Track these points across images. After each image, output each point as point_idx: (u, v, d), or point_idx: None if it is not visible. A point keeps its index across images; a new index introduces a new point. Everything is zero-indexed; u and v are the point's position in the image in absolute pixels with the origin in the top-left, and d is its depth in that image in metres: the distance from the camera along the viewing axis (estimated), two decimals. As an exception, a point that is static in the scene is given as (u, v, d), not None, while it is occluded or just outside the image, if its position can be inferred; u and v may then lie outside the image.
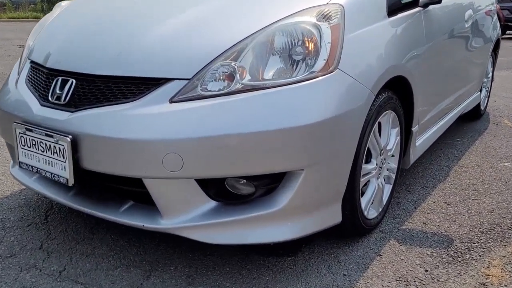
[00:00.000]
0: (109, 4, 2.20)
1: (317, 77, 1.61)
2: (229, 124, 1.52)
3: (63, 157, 1.63)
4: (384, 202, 2.19)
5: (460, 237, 2.09)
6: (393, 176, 2.25)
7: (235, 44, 1.63)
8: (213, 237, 1.63)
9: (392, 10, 2.03)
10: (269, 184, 1.64)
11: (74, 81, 1.71)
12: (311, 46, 1.65)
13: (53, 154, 1.66)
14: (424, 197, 2.51)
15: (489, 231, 2.16)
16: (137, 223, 1.66)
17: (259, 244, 1.75)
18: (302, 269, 1.82)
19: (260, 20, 1.70)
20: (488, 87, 4.35)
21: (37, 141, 1.71)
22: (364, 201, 1.98)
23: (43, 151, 1.70)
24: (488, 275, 1.81)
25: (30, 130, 1.72)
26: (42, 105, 1.77)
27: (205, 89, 1.58)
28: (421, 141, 2.55)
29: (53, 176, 1.70)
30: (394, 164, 2.24)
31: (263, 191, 1.65)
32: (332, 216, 1.78)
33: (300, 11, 1.72)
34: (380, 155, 2.05)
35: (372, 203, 2.06)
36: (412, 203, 2.44)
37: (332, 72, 1.64)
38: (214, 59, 1.61)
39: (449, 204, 2.43)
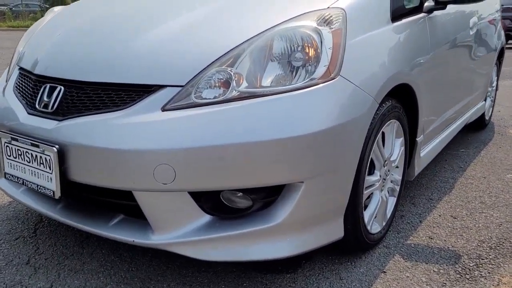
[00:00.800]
0: (101, 10, 2.12)
1: (317, 84, 1.53)
2: (225, 134, 1.43)
3: (50, 168, 1.55)
4: (388, 215, 2.09)
5: (468, 253, 1.99)
6: (397, 188, 2.15)
7: (231, 49, 1.55)
8: (208, 253, 1.54)
9: (396, 15, 1.95)
10: (267, 197, 1.54)
11: (62, 88, 1.63)
12: (311, 51, 1.57)
13: (39, 165, 1.57)
14: (429, 210, 2.41)
15: (498, 246, 2.06)
16: (127, 238, 1.57)
17: (256, 261, 1.65)
18: (302, 286, 1.72)
19: (258, 24, 1.62)
20: (492, 96, 4.27)
21: (23, 151, 1.62)
22: (367, 215, 1.88)
23: (29, 162, 1.61)
24: (499, 294, 1.71)
25: (16, 140, 1.63)
26: (29, 113, 1.68)
27: (200, 96, 1.50)
28: (426, 151, 2.46)
29: (39, 188, 1.61)
30: (398, 176, 2.14)
31: (260, 205, 1.55)
32: (334, 231, 1.69)
33: (300, 15, 1.64)
34: (384, 166, 1.96)
35: (375, 217, 1.96)
36: (417, 216, 2.34)
37: (333, 79, 1.55)
38: (209, 65, 1.53)
39: (455, 218, 2.33)
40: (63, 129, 1.55)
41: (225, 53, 1.54)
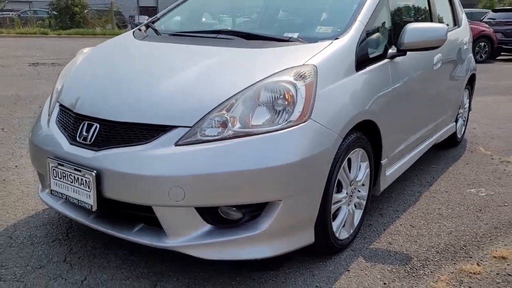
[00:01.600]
0: (125, 56, 2.62)
1: (293, 126, 2.01)
2: (223, 164, 1.92)
3: (89, 188, 2.03)
4: (355, 225, 2.58)
5: (418, 256, 2.47)
6: (364, 202, 2.64)
7: (228, 99, 2.04)
8: (208, 253, 2.02)
9: (361, 65, 2.44)
10: (253, 212, 2.03)
11: (98, 125, 2.12)
12: (289, 100, 2.06)
13: (80, 185, 2.06)
14: (394, 220, 2.90)
15: (444, 250, 2.54)
16: (147, 242, 2.05)
17: (246, 260, 2.13)
18: (282, 281, 2.21)
19: (249, 78, 2.11)
20: (465, 117, 4.75)
21: (67, 174, 2.11)
22: (335, 224, 2.36)
23: (72, 182, 2.10)
24: (435, 287, 2.19)
25: (62, 165, 2.12)
26: (71, 143, 2.17)
27: (204, 134, 1.98)
28: (392, 171, 2.94)
29: (79, 203, 2.10)
30: (364, 192, 2.63)
31: (248, 217, 2.04)
32: (306, 237, 2.17)
33: (281, 71, 2.13)
34: (350, 185, 2.44)
35: (343, 226, 2.44)
36: (382, 225, 2.82)
37: (305, 121, 2.04)
38: (211, 110, 2.01)
39: (413, 227, 2.82)
40: (99, 158, 2.03)
41: (223, 102, 2.03)
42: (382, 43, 2.71)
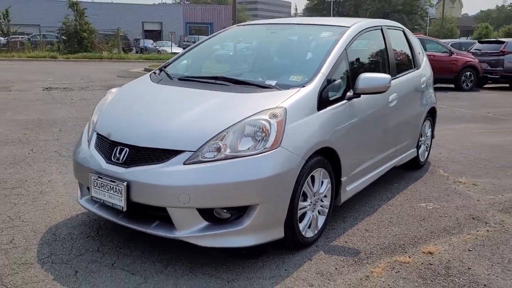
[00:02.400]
0: (145, 97, 3.47)
1: (268, 151, 2.82)
2: (217, 177, 2.72)
3: (121, 194, 2.83)
4: (320, 227, 3.36)
5: (365, 251, 3.25)
6: (326, 210, 3.42)
7: (222, 131, 2.85)
8: (205, 242, 2.81)
9: (322, 106, 3.26)
10: (238, 212, 2.83)
11: (127, 149, 2.93)
12: (266, 132, 2.87)
13: (115, 192, 2.86)
14: (352, 225, 3.68)
15: (386, 247, 3.32)
16: (161, 233, 2.84)
17: (233, 248, 2.91)
18: (260, 266, 2.98)
19: (237, 116, 2.93)
20: (427, 144, 5.54)
21: (105, 184, 2.91)
22: (302, 225, 3.15)
23: (108, 190, 2.90)
24: (373, 271, 2.96)
25: (101, 178, 2.93)
26: (107, 162, 2.98)
27: (204, 156, 2.79)
28: (352, 187, 3.74)
29: (113, 205, 2.90)
30: (327, 202, 3.42)
31: (235, 217, 2.83)
32: (277, 233, 2.96)
33: (261, 111, 2.95)
34: (314, 196, 3.24)
35: (309, 227, 3.23)
36: (342, 229, 3.60)
37: (277, 148, 2.85)
38: (209, 139, 2.82)
39: (367, 230, 3.60)
40: (129, 173, 2.84)
41: (218, 133, 2.84)
42: (342, 88, 3.53)
